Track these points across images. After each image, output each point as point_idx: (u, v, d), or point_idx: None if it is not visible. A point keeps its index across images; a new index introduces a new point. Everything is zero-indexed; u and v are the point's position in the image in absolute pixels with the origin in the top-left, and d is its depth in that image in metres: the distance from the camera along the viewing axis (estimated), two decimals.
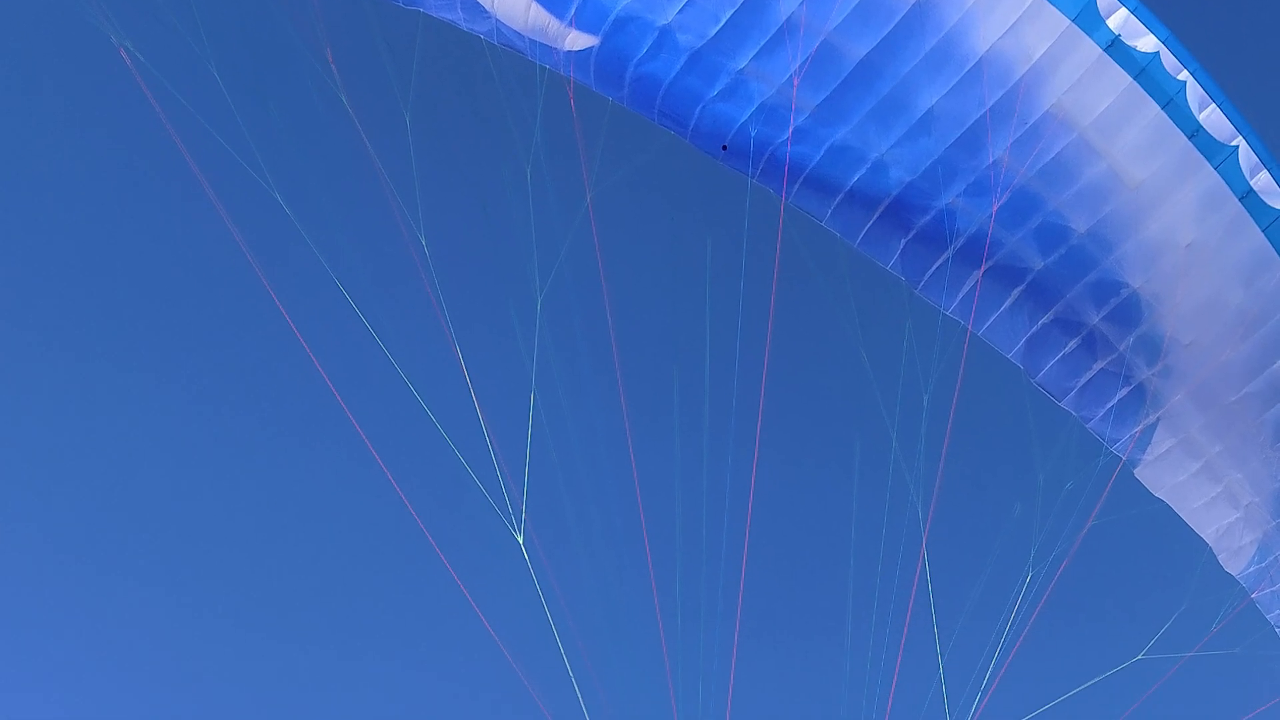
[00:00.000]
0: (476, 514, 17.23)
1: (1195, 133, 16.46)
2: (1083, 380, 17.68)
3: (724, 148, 17.43)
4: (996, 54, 16.28)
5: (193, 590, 40.05)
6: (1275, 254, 16.82)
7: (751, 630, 17.50)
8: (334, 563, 42.38)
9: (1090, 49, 16.13)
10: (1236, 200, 16.64)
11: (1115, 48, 16.13)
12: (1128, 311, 17.27)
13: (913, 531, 17.49)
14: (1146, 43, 16.15)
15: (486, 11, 17.47)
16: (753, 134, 17.23)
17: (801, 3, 16.31)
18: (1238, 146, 16.52)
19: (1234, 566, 18.04)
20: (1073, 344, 17.54)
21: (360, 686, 43.88)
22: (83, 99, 36.36)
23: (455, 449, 16.93)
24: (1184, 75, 16.22)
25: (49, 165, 36.96)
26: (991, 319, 17.64)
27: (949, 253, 17.37)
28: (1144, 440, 17.71)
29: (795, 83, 16.76)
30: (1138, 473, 17.86)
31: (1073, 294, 17.32)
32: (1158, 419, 17.60)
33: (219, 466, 39.50)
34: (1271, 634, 18.05)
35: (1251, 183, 16.56)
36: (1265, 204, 16.66)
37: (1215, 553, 18.10)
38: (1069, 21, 16.05)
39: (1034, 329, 17.61)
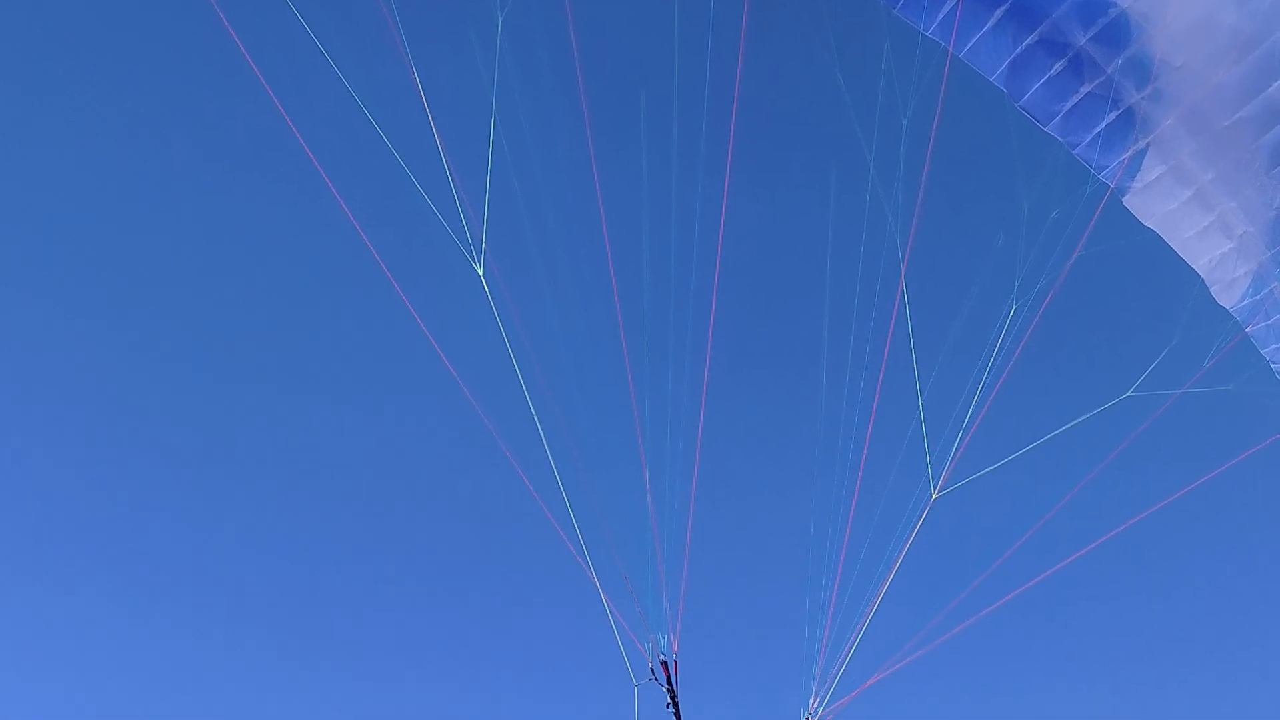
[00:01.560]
0: (434, 244, 16.69)
1: None
2: (1069, 104, 16.92)
3: None
4: None
5: (138, 332, 40.43)
6: None
7: (722, 367, 16.96)
8: (285, 297, 42.34)
9: None
10: None
11: None
12: (1116, 32, 16.50)
13: (891, 263, 16.97)
14: None
15: None
16: None
17: None
18: None
19: (1227, 299, 17.35)
20: (1058, 66, 16.78)
21: (313, 424, 44.07)
22: None
23: (412, 176, 16.29)
24: None
25: None
26: (973, 40, 16.88)
27: None
28: (1133, 167, 16.97)
29: None
30: (1126, 201, 17.14)
31: (1058, 13, 16.56)
32: (1147, 144, 16.85)
33: (165, 201, 39.56)
34: (1266, 369, 17.42)
35: None
36: None
37: (1208, 285, 17.43)
38: None
39: (1018, 50, 16.84)
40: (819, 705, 16.74)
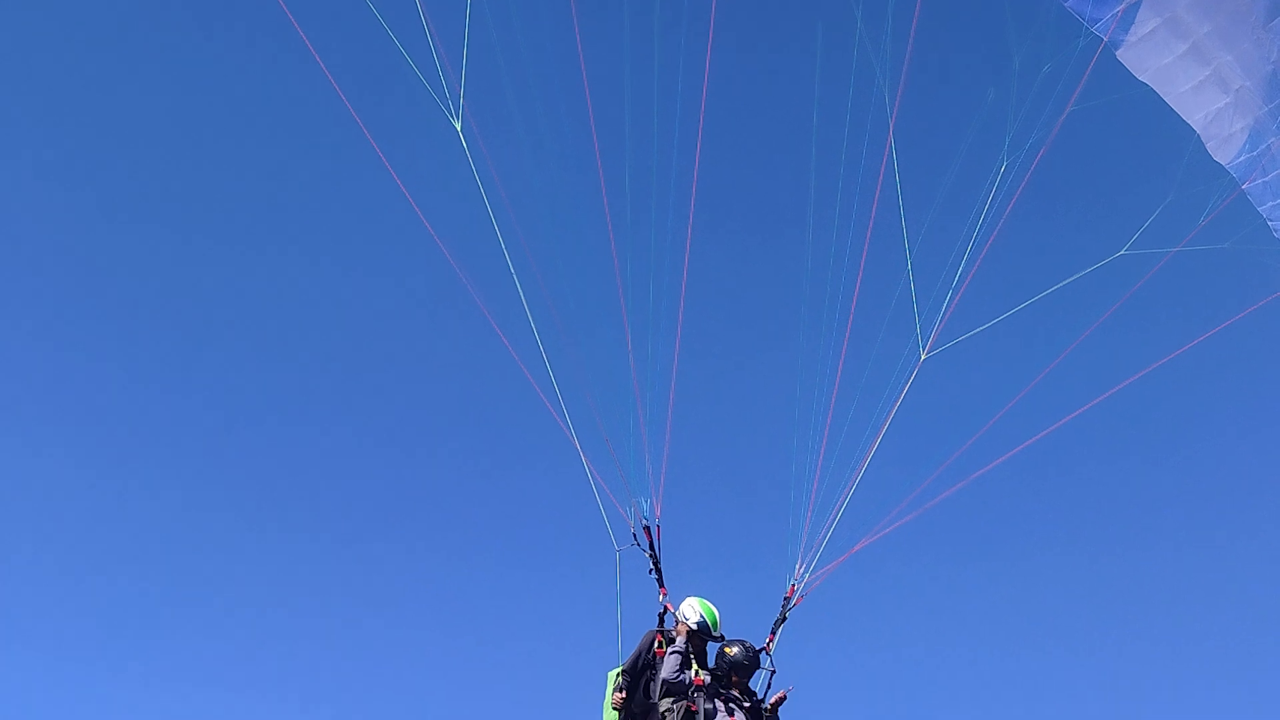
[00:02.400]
0: (411, 98, 16.53)
1: None
2: None
3: None
4: None
5: (111, 191, 41.55)
6: None
7: (706, 224, 16.72)
8: (262, 153, 43.05)
9: None
10: None
11: None
12: None
13: (879, 119, 16.91)
14: None
15: None
16: None
17: None
18: None
19: (1223, 155, 17.14)
20: None
21: (291, 282, 44.97)
22: None
23: (390, 31, 16.05)
24: None
25: None
26: None
27: None
28: (1127, 19, 16.73)
29: None
30: (1120, 54, 16.91)
31: None
32: None
33: (139, 58, 40.47)
34: (1263, 228, 17.30)
35: None
36: None
37: (1203, 141, 17.23)
38: None
39: None
40: (804, 571, 16.79)
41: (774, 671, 16.45)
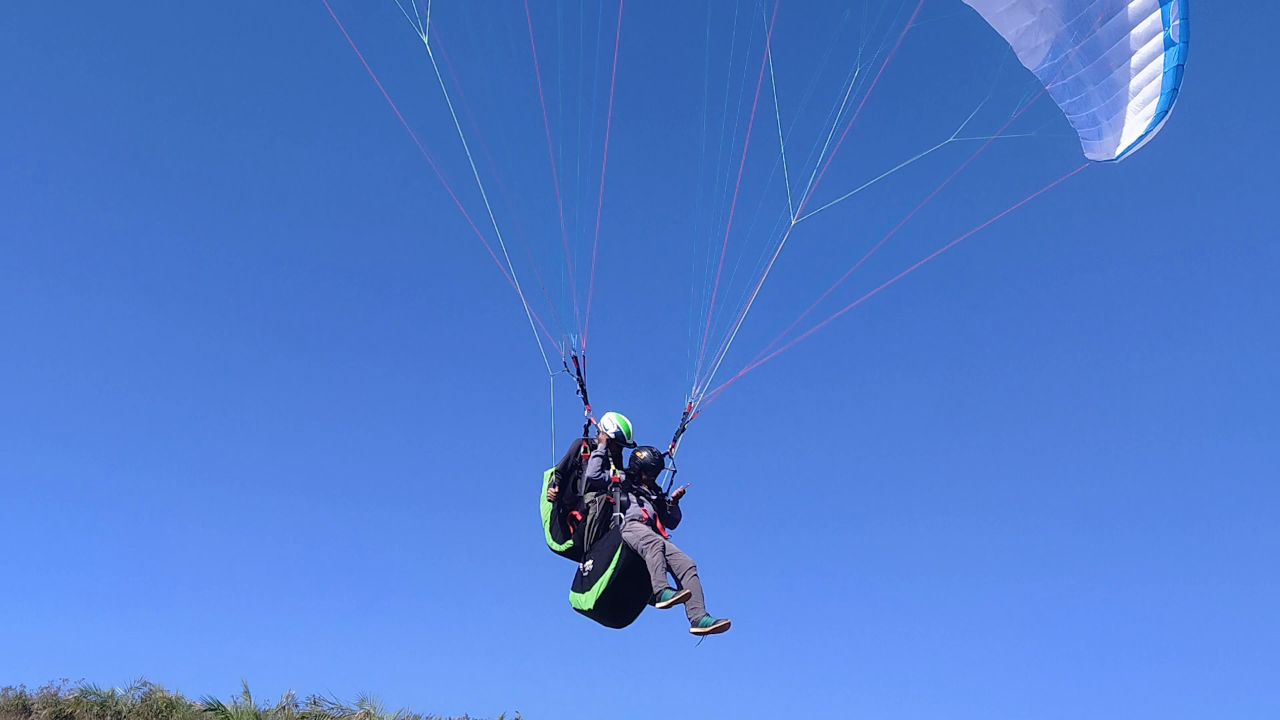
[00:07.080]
0: (387, 16, 19.26)
1: None
2: None
3: None
4: None
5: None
6: None
7: (622, 119, 19.52)
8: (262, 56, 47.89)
9: None
10: None
11: None
12: None
13: (758, 35, 19.00)
14: None
15: None
16: None
17: None
18: None
19: (1031, 62, 19.31)
20: None
21: (283, 158, 51.93)
22: None
23: None
24: None
25: None
26: None
27: None
28: None
29: None
30: None
31: None
32: None
33: None
34: (1062, 120, 19.52)
35: None
36: None
37: (1015, 51, 19.28)
38: None
39: None
40: (699, 391, 18.26)
41: (675, 471, 18.01)
